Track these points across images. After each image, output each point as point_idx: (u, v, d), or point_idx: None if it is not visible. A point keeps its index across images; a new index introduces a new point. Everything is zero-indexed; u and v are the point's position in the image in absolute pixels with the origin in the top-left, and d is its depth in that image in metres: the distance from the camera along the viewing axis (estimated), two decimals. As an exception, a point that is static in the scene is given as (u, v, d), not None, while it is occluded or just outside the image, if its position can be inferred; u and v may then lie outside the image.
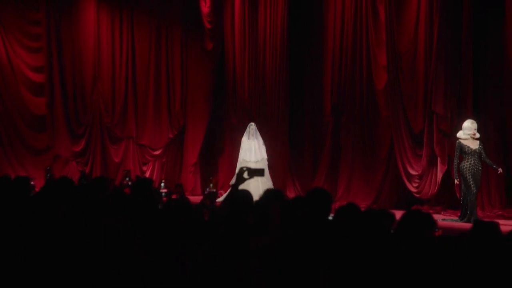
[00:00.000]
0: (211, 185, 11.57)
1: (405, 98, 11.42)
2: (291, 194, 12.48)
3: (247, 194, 4.98)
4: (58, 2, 14.33)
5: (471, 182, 9.66)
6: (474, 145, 9.82)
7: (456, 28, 10.58)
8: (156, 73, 14.63)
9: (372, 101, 12.05)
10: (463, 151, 9.83)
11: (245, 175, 4.60)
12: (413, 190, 11.27)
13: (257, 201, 4.53)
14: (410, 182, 11.32)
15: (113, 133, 14.59)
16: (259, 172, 4.92)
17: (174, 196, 8.37)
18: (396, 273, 3.38)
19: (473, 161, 9.75)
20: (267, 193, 4.63)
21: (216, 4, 14.07)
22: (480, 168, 9.77)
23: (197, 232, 3.91)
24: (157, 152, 14.64)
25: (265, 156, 12.62)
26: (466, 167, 9.74)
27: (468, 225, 8.52)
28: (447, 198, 10.97)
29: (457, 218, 10.00)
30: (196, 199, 11.44)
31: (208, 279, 3.57)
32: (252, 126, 12.72)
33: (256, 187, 11.15)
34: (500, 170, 9.86)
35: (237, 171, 11.72)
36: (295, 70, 13.44)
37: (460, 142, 9.88)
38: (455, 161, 9.89)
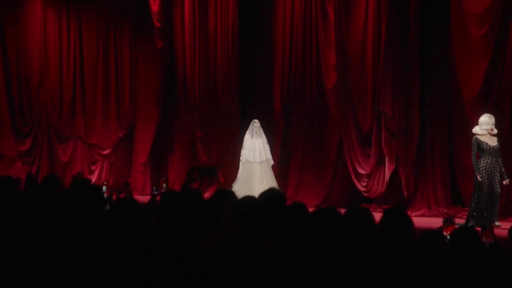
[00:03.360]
0: (164, 185, 11.35)
1: (354, 98, 11.56)
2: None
3: (197, 194, 4.95)
4: (3, 0, 14.03)
5: (486, 182, 8.89)
6: (492, 141, 9.03)
7: (404, 28, 10.75)
8: (104, 72, 14.47)
9: (322, 100, 12.15)
10: (480, 148, 9.01)
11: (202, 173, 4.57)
12: (362, 189, 11.41)
13: (207, 201, 4.51)
14: (359, 181, 11.46)
15: (61, 132, 14.38)
16: (211, 171, 4.90)
17: (122, 196, 8.26)
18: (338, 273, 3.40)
19: (490, 160, 8.95)
20: (218, 193, 4.62)
21: (165, 3, 13.98)
22: (498, 167, 8.95)
23: (145, 232, 3.87)
24: (106, 152, 14.48)
25: (269, 156, 11.76)
26: (482, 166, 8.97)
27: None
28: (394, 197, 11.13)
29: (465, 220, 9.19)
30: (145, 198, 11.34)
31: (158, 278, 3.54)
32: (255, 124, 11.74)
33: (262, 189, 10.95)
34: (507, 181, 9.01)
35: (239, 172, 11.68)
36: (245, 69, 13.46)
37: (477, 138, 9.06)
38: (473, 158, 9.06)
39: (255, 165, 11.53)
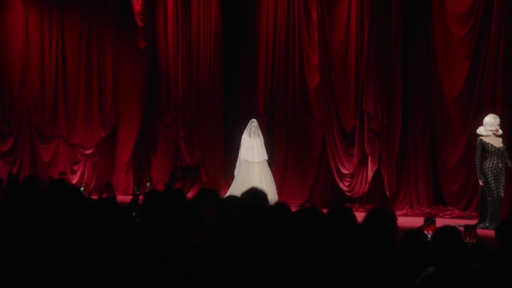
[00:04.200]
0: (148, 184, 11.25)
1: (337, 98, 11.59)
2: (224, 193, 12.46)
3: (180, 194, 4.94)
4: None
5: (493, 184, 8.70)
6: (497, 142, 8.84)
7: (386, 29, 10.80)
8: (87, 72, 14.39)
9: (305, 100, 12.17)
10: (485, 149, 8.82)
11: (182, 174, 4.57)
12: (345, 188, 11.45)
13: (189, 201, 4.50)
14: (341, 181, 11.49)
15: (43, 132, 14.27)
16: (193, 172, 4.90)
17: (104, 196, 8.21)
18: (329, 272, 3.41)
19: (495, 161, 8.75)
20: (201, 193, 4.61)
21: (148, 2, 13.94)
22: (504, 168, 8.79)
23: (127, 233, 3.86)
24: (89, 151, 14.40)
25: (266, 157, 11.59)
26: (488, 168, 8.77)
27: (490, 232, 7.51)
28: (377, 196, 11.18)
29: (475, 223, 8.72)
30: (128, 198, 11.28)
31: (142, 278, 3.53)
32: (253, 123, 11.62)
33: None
34: None
35: (235, 172, 11.59)
36: (229, 69, 13.45)
37: (481, 140, 8.88)
38: (477, 160, 8.88)
39: (254, 165, 11.40)
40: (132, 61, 14.34)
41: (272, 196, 11.03)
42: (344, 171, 11.46)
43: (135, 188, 9.04)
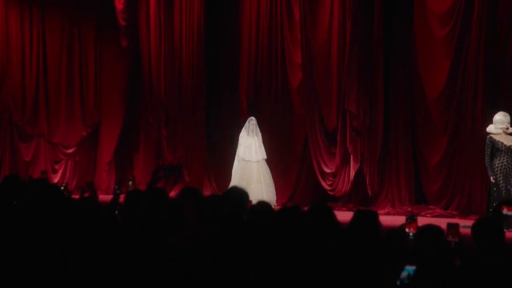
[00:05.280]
0: (130, 183, 11.19)
1: (319, 96, 11.62)
2: (207, 192, 12.44)
3: (162, 193, 4.93)
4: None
5: (502, 184, 8.54)
6: (508, 141, 8.64)
7: (368, 28, 10.85)
8: (68, 71, 14.28)
9: (287, 99, 12.19)
10: (495, 148, 8.62)
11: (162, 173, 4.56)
12: (327, 187, 11.48)
13: (171, 200, 4.49)
14: (324, 179, 11.52)
15: (23, 131, 14.14)
16: (175, 171, 4.88)
17: (86, 195, 8.16)
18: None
19: (506, 160, 8.57)
20: (183, 192, 4.60)
21: (130, 1, 13.85)
22: None
23: (109, 232, 3.84)
24: (70, 151, 14.31)
25: (265, 156, 11.32)
26: (497, 167, 8.58)
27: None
28: (359, 195, 11.22)
29: None
30: (110, 198, 11.22)
31: (121, 278, 3.52)
32: (252, 121, 11.35)
33: (259, 189, 10.79)
34: None
35: (233, 171, 11.46)
36: (212, 68, 13.43)
37: (491, 137, 8.69)
38: (487, 159, 8.69)
39: (252, 164, 11.17)
40: (114, 60, 14.26)
41: (271, 196, 10.88)
42: (327, 170, 11.49)
43: (116, 187, 8.97)
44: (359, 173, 11.00)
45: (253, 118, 11.42)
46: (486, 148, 8.75)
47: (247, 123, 11.42)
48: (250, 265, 3.44)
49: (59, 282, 3.58)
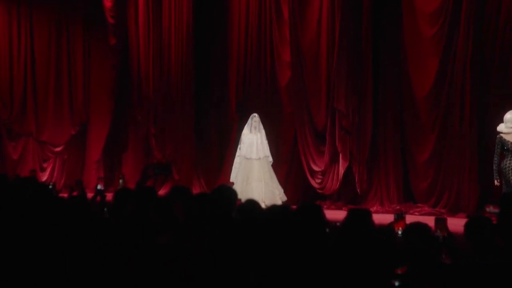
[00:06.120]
0: (120, 181, 11.16)
1: (308, 95, 11.63)
2: (196, 190, 12.43)
3: (152, 191, 4.92)
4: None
5: None
6: None
7: (357, 27, 10.87)
8: (57, 69, 14.24)
9: (277, 97, 12.20)
10: (505, 147, 8.36)
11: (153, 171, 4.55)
12: (316, 186, 11.50)
13: (159, 198, 4.48)
14: (313, 178, 11.54)
15: (11, 129, 14.10)
16: (164, 169, 4.87)
17: (75, 194, 8.14)
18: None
19: None
20: (173, 191, 4.59)
21: (119, -1, 13.84)
22: None
23: (96, 230, 3.83)
24: (58, 149, 14.26)
25: (267, 153, 11.05)
26: (507, 166, 8.29)
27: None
28: (348, 194, 11.25)
29: None
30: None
31: (109, 278, 3.51)
32: (255, 118, 11.09)
33: (259, 188, 10.65)
34: None
35: (233, 168, 11.31)
36: (200, 66, 13.40)
37: (501, 137, 8.42)
38: (495, 158, 8.44)
39: (253, 162, 10.93)
40: (102, 58, 14.22)
41: (270, 195, 10.64)
42: (316, 168, 11.51)
43: (97, 186, 8.90)
44: (348, 172, 11.02)
45: (255, 114, 11.22)
46: (496, 147, 8.49)
47: (249, 120, 11.22)
48: (240, 265, 3.44)
49: (48, 281, 3.57)
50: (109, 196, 7.92)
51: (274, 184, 10.98)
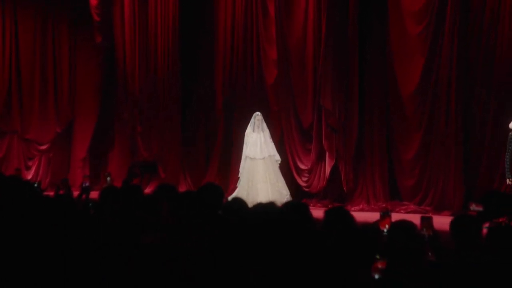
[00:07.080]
0: (108, 179, 11.13)
1: (295, 93, 11.65)
2: (182, 189, 12.40)
3: (138, 190, 4.90)
4: None
5: None
6: None
7: (343, 25, 10.89)
8: (42, 67, 14.17)
9: (263, 95, 12.20)
10: None
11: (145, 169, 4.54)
12: (303, 184, 11.52)
13: (146, 197, 4.47)
14: (299, 176, 11.56)
15: (-4, 127, 14.02)
16: (151, 167, 4.86)
17: (61, 192, 8.11)
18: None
19: None
20: (159, 189, 4.58)
21: (104, -4, 13.77)
22: None
23: (82, 227, 3.81)
24: (44, 147, 14.19)
25: (272, 152, 10.88)
26: None
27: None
28: (334, 192, 11.27)
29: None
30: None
31: (94, 277, 3.49)
32: (258, 117, 10.95)
33: (265, 189, 10.57)
34: None
35: (240, 169, 11.26)
36: (187, 64, 13.37)
37: None
38: (507, 156, 8.23)
39: (258, 162, 10.78)
40: (88, 56, 14.17)
41: (277, 195, 10.46)
42: (302, 167, 11.53)
43: (83, 183, 8.88)
44: (334, 170, 11.04)
45: (258, 113, 11.11)
46: (507, 145, 8.28)
47: (252, 119, 11.11)
48: (234, 265, 3.44)
49: (33, 279, 3.55)
50: (95, 194, 7.93)
51: (280, 183, 10.86)
